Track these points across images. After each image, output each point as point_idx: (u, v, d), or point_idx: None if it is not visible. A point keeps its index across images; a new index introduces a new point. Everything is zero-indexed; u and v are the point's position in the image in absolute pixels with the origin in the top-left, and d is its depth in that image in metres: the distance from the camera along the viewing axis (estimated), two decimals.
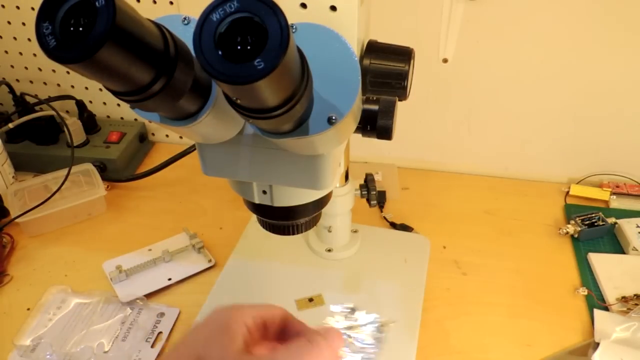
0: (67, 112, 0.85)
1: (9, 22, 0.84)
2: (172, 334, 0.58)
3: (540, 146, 0.79)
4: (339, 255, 0.62)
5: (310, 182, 0.38)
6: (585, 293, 0.61)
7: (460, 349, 0.56)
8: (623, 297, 0.60)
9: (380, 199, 0.76)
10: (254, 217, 0.63)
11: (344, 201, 0.57)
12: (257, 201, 0.44)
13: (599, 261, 0.65)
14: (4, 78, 0.89)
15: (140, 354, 0.56)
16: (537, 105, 0.75)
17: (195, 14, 0.24)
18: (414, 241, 0.66)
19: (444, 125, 0.80)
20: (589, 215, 0.70)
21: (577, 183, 0.79)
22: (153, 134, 0.93)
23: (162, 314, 0.60)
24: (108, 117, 0.94)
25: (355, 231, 0.65)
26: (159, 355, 0.56)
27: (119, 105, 0.91)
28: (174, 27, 0.28)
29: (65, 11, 0.22)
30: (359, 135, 0.41)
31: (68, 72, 0.88)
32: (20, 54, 0.88)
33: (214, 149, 0.38)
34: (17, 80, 0.91)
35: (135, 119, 0.92)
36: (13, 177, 0.78)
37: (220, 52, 0.22)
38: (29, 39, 0.86)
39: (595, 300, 0.60)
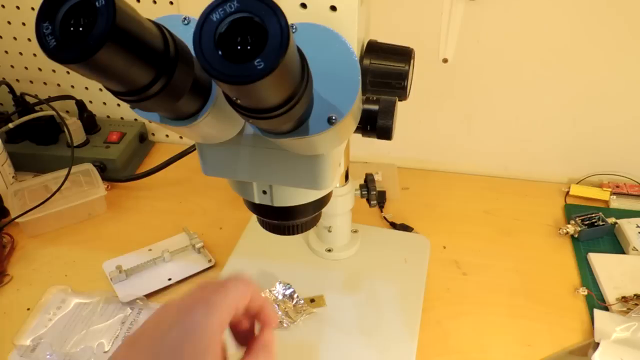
0: (67, 112, 0.85)
1: (9, 22, 0.84)
2: None
3: (540, 146, 0.79)
4: (339, 255, 0.62)
5: (310, 182, 0.38)
6: (585, 293, 0.61)
7: (460, 349, 0.56)
8: (623, 297, 0.60)
9: (380, 199, 0.76)
10: (254, 217, 0.63)
11: (344, 201, 0.57)
12: (257, 201, 0.44)
13: (599, 261, 0.65)
14: (4, 78, 0.89)
15: None
16: (537, 106, 0.75)
17: (195, 14, 0.24)
18: (414, 241, 0.66)
19: (444, 125, 0.80)
20: (589, 215, 0.70)
21: (577, 183, 0.79)
22: (153, 134, 0.93)
23: None
24: (108, 117, 0.94)
25: (355, 231, 0.65)
26: None
27: (119, 105, 0.91)
28: (174, 27, 0.28)
29: (65, 11, 0.22)
30: (359, 135, 0.41)
31: (68, 72, 0.88)
32: (20, 54, 0.88)
33: (214, 149, 0.38)
34: (17, 80, 0.91)
35: (135, 119, 0.92)
36: (13, 177, 0.78)
37: (220, 52, 0.22)
38: (29, 39, 0.86)
39: (595, 300, 0.60)
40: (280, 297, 0.56)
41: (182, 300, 0.35)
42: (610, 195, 0.75)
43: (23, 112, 0.83)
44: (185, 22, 0.31)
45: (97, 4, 0.21)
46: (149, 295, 0.62)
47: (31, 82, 0.91)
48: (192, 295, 0.35)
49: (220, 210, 0.76)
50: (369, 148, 0.85)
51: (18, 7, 0.82)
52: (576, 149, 0.78)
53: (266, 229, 0.48)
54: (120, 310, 0.60)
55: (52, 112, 0.80)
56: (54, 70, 0.89)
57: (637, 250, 0.65)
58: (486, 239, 0.71)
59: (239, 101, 0.25)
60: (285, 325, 0.54)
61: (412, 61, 0.41)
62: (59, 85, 0.91)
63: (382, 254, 0.63)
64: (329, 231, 0.61)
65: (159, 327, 0.34)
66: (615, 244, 0.68)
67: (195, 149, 0.42)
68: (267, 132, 0.31)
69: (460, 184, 0.81)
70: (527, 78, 0.72)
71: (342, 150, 0.46)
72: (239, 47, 0.22)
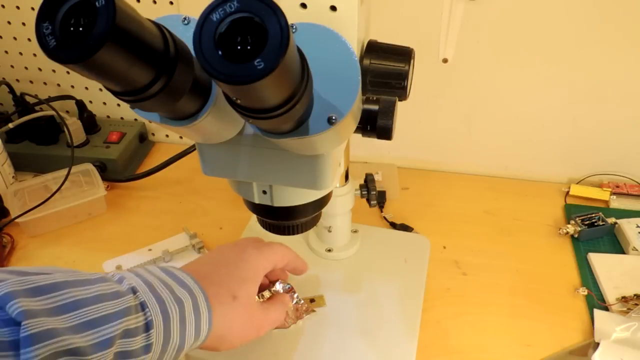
0: (67, 112, 0.85)
1: (9, 22, 0.84)
2: None
3: (540, 146, 0.79)
4: (339, 255, 0.62)
5: (310, 182, 0.38)
6: (585, 293, 0.61)
7: (459, 349, 0.56)
8: (623, 297, 0.60)
9: (380, 199, 0.76)
10: (254, 217, 0.63)
11: (344, 201, 0.57)
12: (257, 201, 0.44)
13: (599, 261, 0.65)
14: (4, 78, 0.89)
15: None
16: (537, 105, 0.75)
17: (195, 14, 0.24)
18: (414, 241, 0.66)
19: (444, 125, 0.80)
20: (589, 215, 0.70)
21: (577, 183, 0.79)
22: (153, 134, 0.93)
23: None
24: (108, 117, 0.94)
25: (355, 231, 0.65)
26: None
27: (119, 105, 0.91)
28: (174, 27, 0.28)
29: (65, 11, 0.22)
30: (359, 135, 0.41)
31: (68, 72, 0.88)
32: (20, 54, 0.88)
33: (214, 149, 0.38)
34: (17, 80, 0.91)
35: (135, 119, 0.92)
36: (13, 177, 0.78)
37: (220, 52, 0.22)
38: (29, 39, 0.86)
39: (595, 300, 0.60)
40: None
41: (238, 242, 0.50)
42: (610, 195, 0.75)
43: (23, 112, 0.83)
44: (185, 22, 0.31)
45: (97, 4, 0.21)
46: None
47: (31, 82, 0.91)
48: (247, 240, 0.51)
49: (220, 210, 0.76)
50: (369, 148, 0.85)
51: (18, 7, 0.82)
52: (576, 149, 0.78)
53: (266, 229, 0.48)
54: None
55: (52, 112, 0.80)
56: (54, 70, 0.89)
57: (637, 250, 0.65)
58: (486, 239, 0.71)
59: (239, 101, 0.25)
60: (285, 325, 0.54)
61: (412, 61, 0.41)
62: (59, 85, 0.91)
63: (382, 254, 0.63)
64: (329, 231, 0.61)
65: (220, 252, 0.49)
66: (615, 244, 0.68)
67: (195, 149, 0.42)
68: (267, 132, 0.31)
69: (460, 184, 0.81)
70: (527, 78, 0.72)
71: (342, 150, 0.46)
72: (239, 47, 0.22)
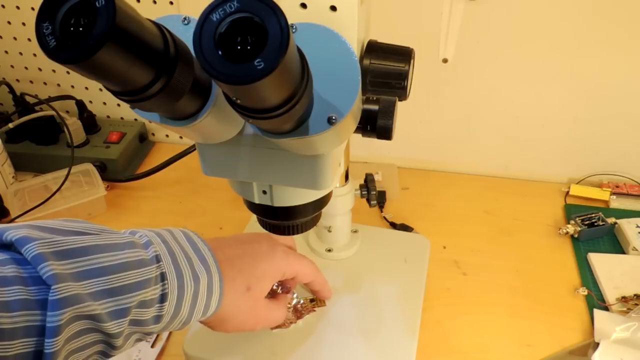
0: (67, 112, 0.85)
1: (9, 22, 0.84)
2: (172, 333, 0.58)
3: (540, 146, 0.79)
4: (339, 255, 0.62)
5: (310, 182, 0.38)
6: (585, 293, 0.61)
7: (460, 349, 0.56)
8: (623, 297, 0.60)
9: (380, 199, 0.76)
10: (254, 217, 0.63)
11: (344, 201, 0.57)
12: (257, 201, 0.44)
13: (599, 261, 0.65)
14: (4, 78, 0.89)
15: (140, 353, 0.56)
16: (537, 105, 0.75)
17: (195, 14, 0.24)
18: (414, 241, 0.66)
19: (444, 125, 0.80)
20: (589, 215, 0.70)
21: (577, 183, 0.79)
22: (153, 134, 0.93)
23: None
24: (108, 117, 0.94)
25: (355, 231, 0.65)
26: (159, 354, 0.56)
27: (119, 105, 0.91)
28: (174, 27, 0.28)
29: (65, 11, 0.22)
30: (359, 135, 0.41)
31: (68, 72, 0.88)
32: (20, 54, 0.88)
33: (214, 149, 0.38)
34: (17, 80, 0.91)
35: (135, 119, 0.92)
36: (13, 177, 0.78)
37: (220, 52, 0.22)
38: (29, 39, 0.86)
39: (595, 300, 0.60)
40: None
41: (273, 238, 0.50)
42: (610, 195, 0.75)
43: (23, 112, 0.83)
44: (185, 22, 0.31)
45: (97, 4, 0.21)
46: None
47: (31, 82, 0.91)
48: (280, 241, 0.51)
49: (220, 210, 0.76)
50: (369, 148, 0.85)
51: (18, 7, 0.82)
52: (576, 149, 0.78)
53: (266, 229, 0.48)
54: None
55: (52, 112, 0.80)
56: (54, 70, 0.89)
57: (637, 250, 0.65)
58: (486, 239, 0.71)
59: (239, 101, 0.25)
60: (285, 325, 0.54)
61: (412, 61, 0.41)
62: (59, 85, 0.91)
63: (382, 254, 0.63)
64: (329, 231, 0.61)
65: (254, 240, 0.49)
66: (615, 244, 0.68)
67: (195, 149, 0.42)
68: (267, 132, 0.31)
69: (460, 184, 0.81)
70: (527, 78, 0.72)
71: (342, 150, 0.46)
72: (239, 47, 0.22)
